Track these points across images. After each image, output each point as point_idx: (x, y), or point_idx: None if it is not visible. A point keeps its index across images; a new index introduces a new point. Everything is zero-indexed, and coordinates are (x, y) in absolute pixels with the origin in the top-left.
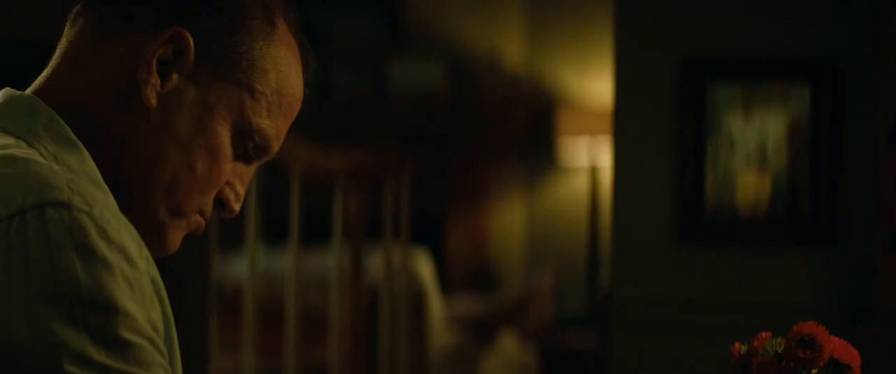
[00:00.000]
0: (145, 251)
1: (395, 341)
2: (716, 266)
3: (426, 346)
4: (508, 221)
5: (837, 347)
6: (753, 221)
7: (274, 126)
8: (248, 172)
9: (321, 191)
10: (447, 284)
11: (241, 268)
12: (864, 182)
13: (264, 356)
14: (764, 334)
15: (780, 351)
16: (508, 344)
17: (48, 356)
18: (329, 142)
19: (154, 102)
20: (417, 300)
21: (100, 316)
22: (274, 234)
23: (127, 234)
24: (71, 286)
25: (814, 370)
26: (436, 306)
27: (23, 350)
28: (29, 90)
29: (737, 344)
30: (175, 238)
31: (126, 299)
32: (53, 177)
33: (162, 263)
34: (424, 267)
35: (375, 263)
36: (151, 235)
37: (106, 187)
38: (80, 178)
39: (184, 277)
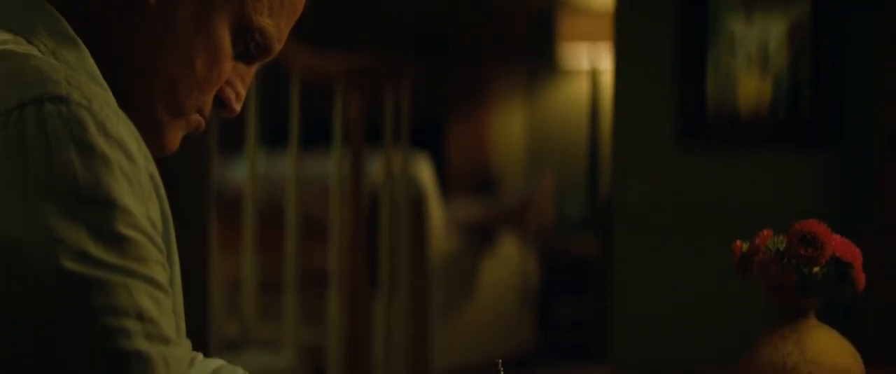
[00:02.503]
0: (144, 147)
1: (396, 245)
2: (717, 168)
3: (426, 250)
4: (509, 124)
5: (839, 245)
6: (755, 123)
7: (275, 25)
8: (249, 72)
9: (321, 95)
10: (447, 188)
11: (240, 172)
12: (865, 84)
13: (264, 260)
14: (765, 232)
15: (781, 249)
16: (509, 248)
17: (45, 252)
18: (329, 45)
19: None
20: (418, 205)
21: (98, 212)
22: (274, 138)
23: (126, 129)
24: (69, 182)
25: (815, 268)
26: (436, 210)
27: (20, 246)
28: None
29: (738, 242)
30: (174, 138)
31: (124, 195)
32: (52, 72)
33: (161, 166)
34: (425, 172)
35: (376, 167)
36: (150, 134)
37: (105, 84)
38: (78, 74)
39: (183, 180)
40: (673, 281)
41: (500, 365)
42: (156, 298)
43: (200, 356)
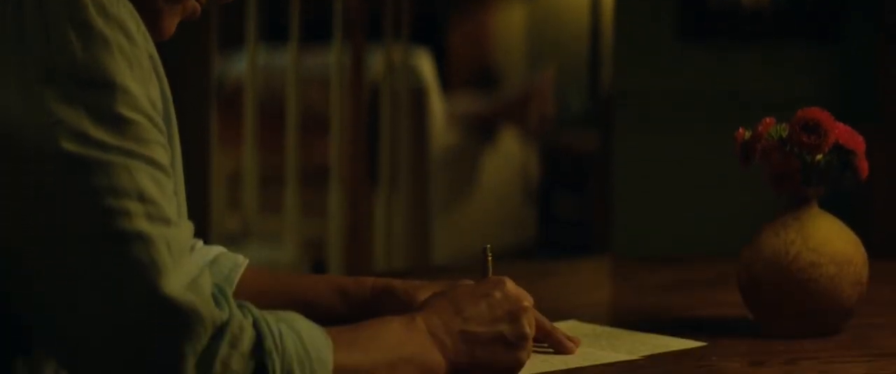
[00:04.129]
0: (143, 27)
1: (396, 139)
2: (718, 61)
3: (427, 144)
4: (510, 17)
5: (842, 132)
6: (757, 15)
7: None
8: None
9: None
10: (448, 83)
11: (240, 67)
12: None
13: (265, 154)
14: (768, 119)
15: (784, 136)
16: (509, 143)
17: (45, 135)
18: None
19: None
20: (418, 99)
21: (97, 93)
22: (274, 33)
23: (124, 9)
24: (68, 64)
25: (818, 156)
26: (437, 104)
27: (20, 129)
28: None
29: (741, 130)
30: (170, 24)
31: (124, 76)
32: None
33: (162, 60)
34: (425, 65)
35: (376, 61)
36: (147, 20)
37: None
38: None
39: (183, 75)
40: (674, 175)
41: (488, 250)
42: (157, 179)
43: (201, 243)
